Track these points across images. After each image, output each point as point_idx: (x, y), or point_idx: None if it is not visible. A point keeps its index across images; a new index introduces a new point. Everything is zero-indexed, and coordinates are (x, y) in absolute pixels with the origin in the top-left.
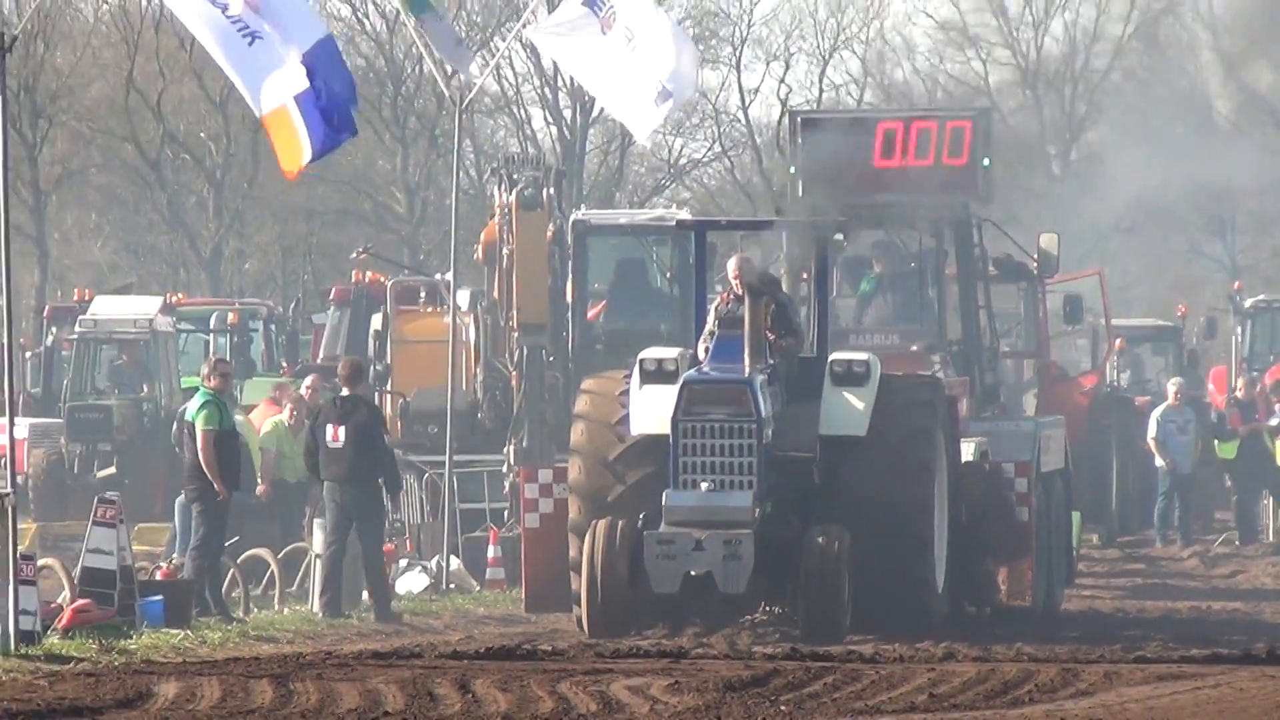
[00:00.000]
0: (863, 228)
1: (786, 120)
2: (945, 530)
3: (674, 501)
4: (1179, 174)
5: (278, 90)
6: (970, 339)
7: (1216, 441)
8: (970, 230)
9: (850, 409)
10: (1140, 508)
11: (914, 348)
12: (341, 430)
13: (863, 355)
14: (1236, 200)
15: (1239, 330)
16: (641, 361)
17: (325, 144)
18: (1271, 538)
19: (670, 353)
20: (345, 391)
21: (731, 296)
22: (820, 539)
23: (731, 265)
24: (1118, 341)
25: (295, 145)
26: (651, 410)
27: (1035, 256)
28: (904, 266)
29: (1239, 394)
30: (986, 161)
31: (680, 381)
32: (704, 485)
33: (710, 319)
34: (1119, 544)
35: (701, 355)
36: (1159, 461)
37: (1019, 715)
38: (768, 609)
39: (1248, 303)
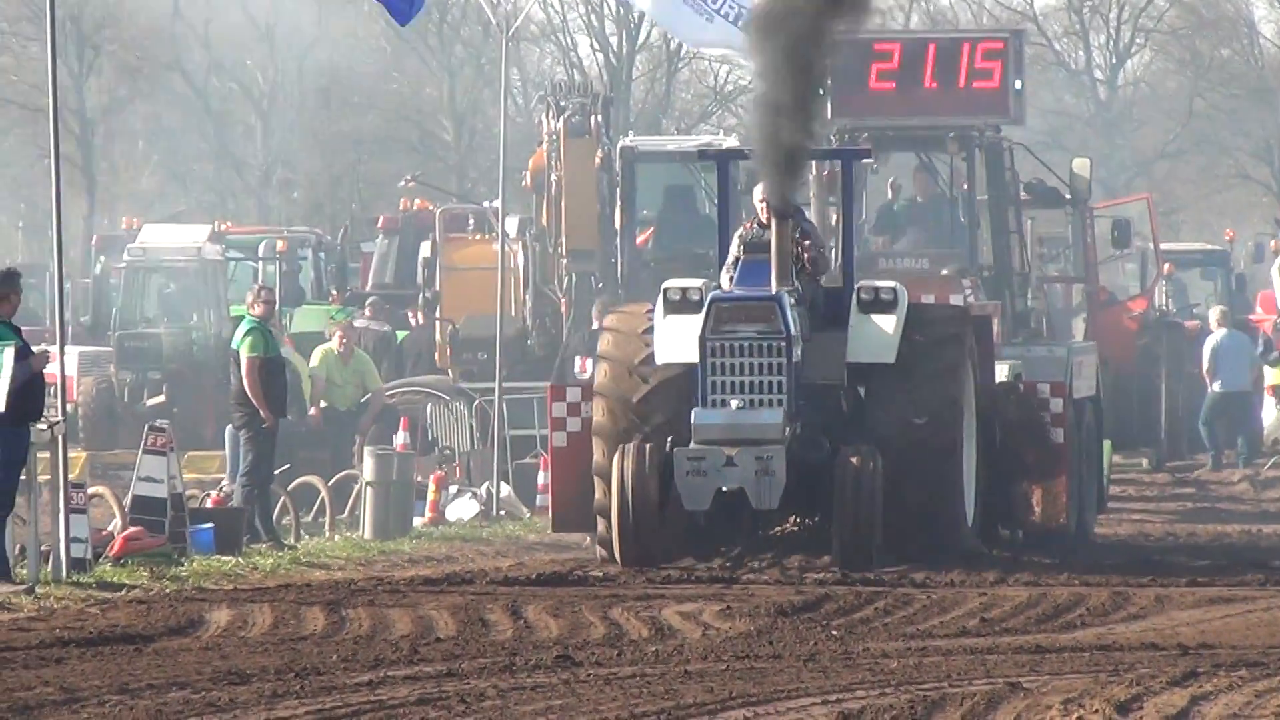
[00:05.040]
0: (893, 150)
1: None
2: (974, 460)
3: (703, 420)
4: (1225, 99)
5: None
6: (1002, 264)
7: (1267, 367)
8: (1002, 154)
9: (878, 335)
10: (1189, 432)
11: (944, 272)
12: None
13: (890, 283)
14: None
15: None
16: (665, 291)
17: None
18: None
19: (694, 282)
20: None
21: (755, 224)
22: (854, 459)
23: (757, 192)
24: (1166, 266)
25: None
26: (676, 339)
27: (1068, 181)
28: (935, 190)
29: None
30: (1019, 84)
31: (708, 300)
32: (734, 403)
33: (735, 246)
34: (1168, 468)
35: (726, 284)
36: (1214, 386)
37: (1071, 639)
38: (797, 522)
39: None
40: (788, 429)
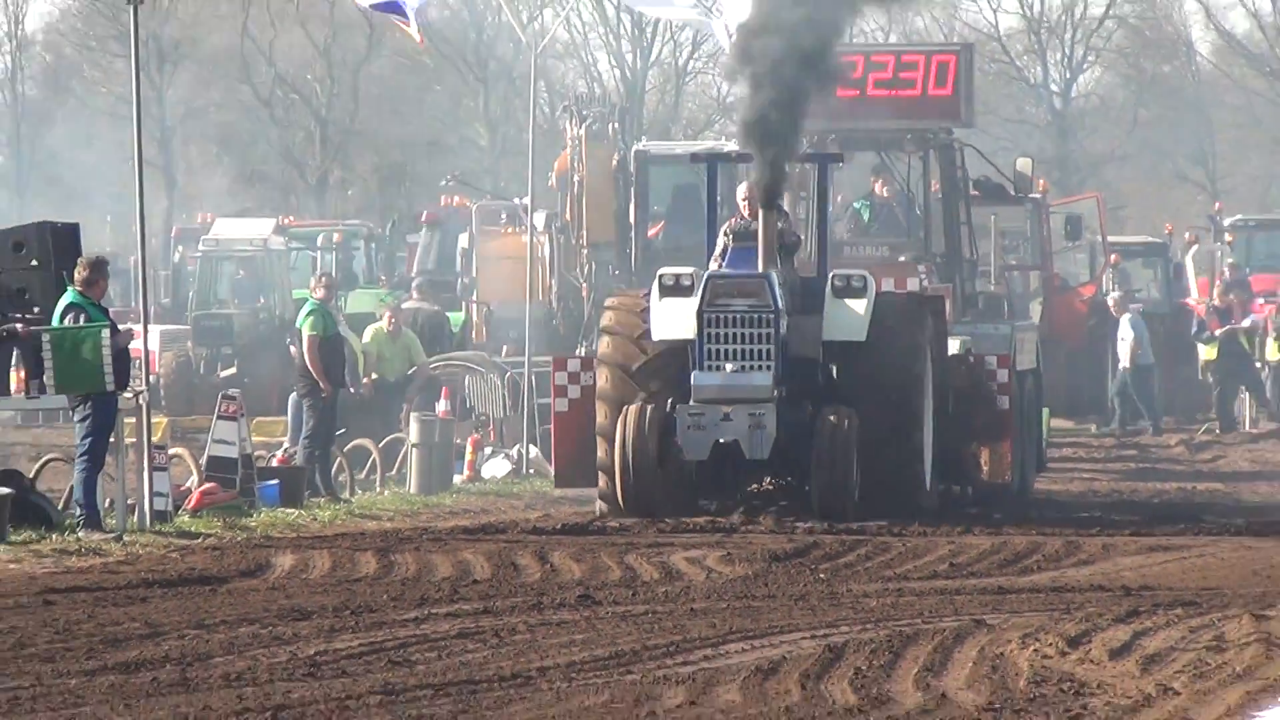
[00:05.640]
0: (855, 150)
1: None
2: (931, 427)
3: (701, 381)
4: (1165, 110)
5: None
6: (952, 252)
7: (1200, 344)
8: (953, 154)
9: (851, 317)
10: (1133, 401)
11: (902, 259)
12: None
13: (860, 271)
14: (1216, 131)
15: (1219, 246)
16: (661, 277)
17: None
18: (1248, 427)
19: (686, 269)
20: None
21: (739, 218)
22: (832, 417)
23: (742, 190)
24: (1113, 256)
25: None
26: (670, 319)
27: (1012, 178)
28: (894, 186)
29: (1217, 302)
30: (969, 93)
31: (705, 277)
32: (728, 367)
33: (722, 237)
34: (1113, 431)
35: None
36: (1127, 363)
37: (1028, 582)
38: (773, 482)
39: (1226, 222)
40: (776, 391)
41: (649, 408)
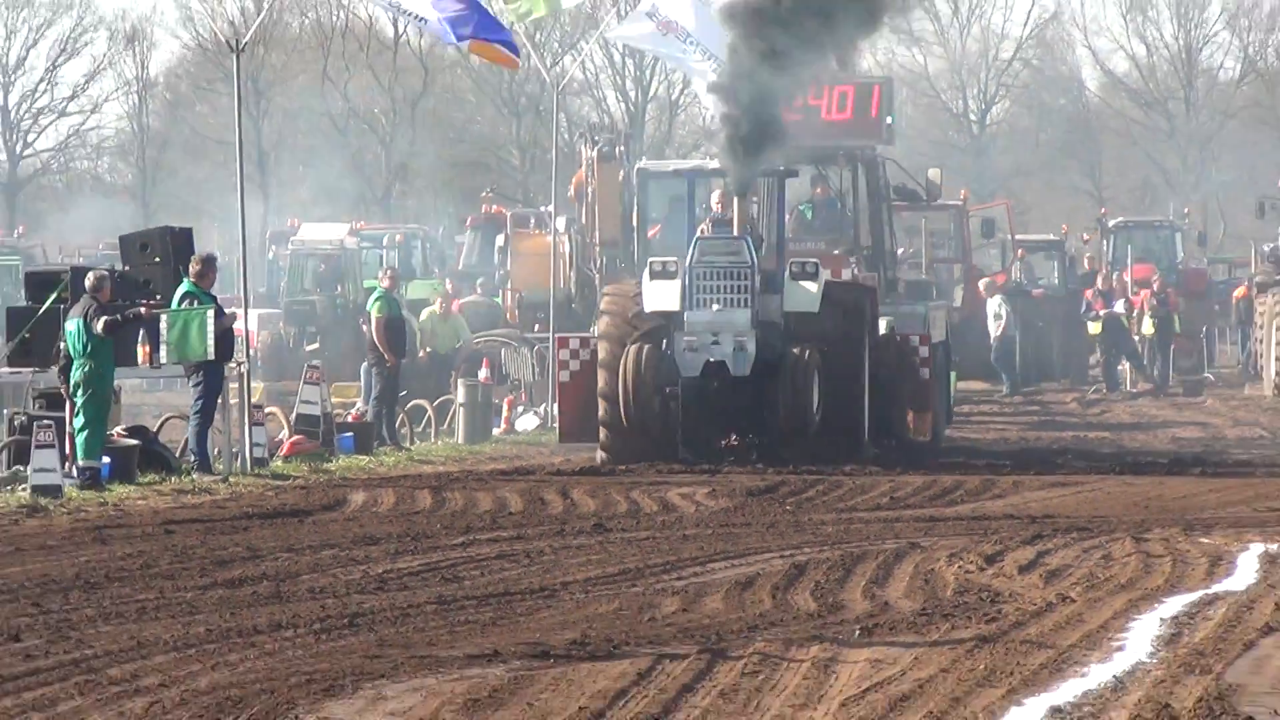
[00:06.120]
0: (800, 163)
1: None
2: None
3: (693, 318)
4: (1061, 134)
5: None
6: (877, 246)
7: (1088, 322)
8: (877, 166)
9: (806, 293)
10: (1036, 367)
11: (836, 252)
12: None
13: (813, 259)
14: (1101, 150)
15: (1104, 243)
16: (651, 264)
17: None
18: (1128, 388)
19: (671, 258)
20: None
21: (715, 214)
22: (796, 350)
23: (715, 195)
24: (1019, 251)
25: (496, 53)
26: (659, 295)
27: (924, 185)
28: (830, 192)
29: (1100, 287)
30: (890, 119)
31: (694, 240)
32: (715, 306)
33: (701, 228)
34: (1022, 392)
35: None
36: (995, 335)
37: (953, 512)
38: (735, 440)
39: (1110, 223)
40: (753, 326)
41: (647, 345)
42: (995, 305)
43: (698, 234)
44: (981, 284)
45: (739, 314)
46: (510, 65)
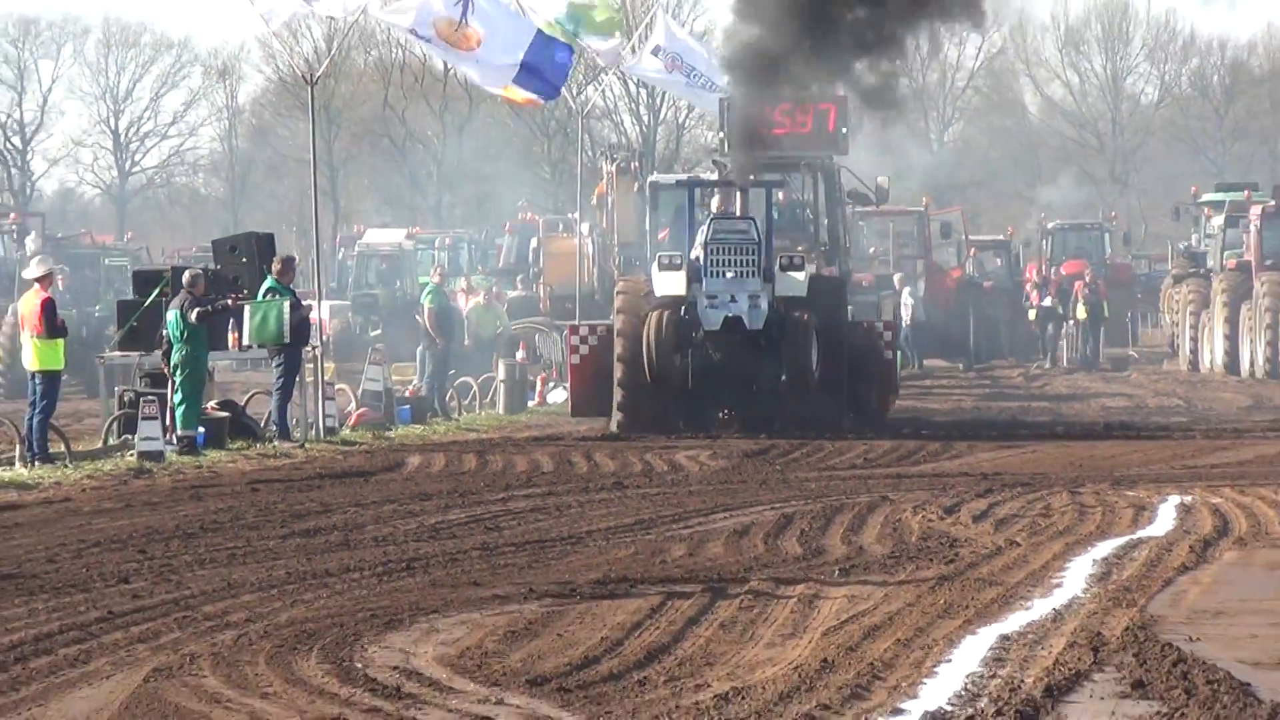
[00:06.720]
0: (769, 171)
1: (719, 106)
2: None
3: (710, 285)
4: (1007, 150)
5: (501, 79)
6: (834, 243)
7: (1030, 310)
8: (834, 173)
9: (795, 281)
10: (987, 348)
11: (799, 248)
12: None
13: (801, 252)
14: (1041, 164)
15: (1043, 242)
16: (659, 258)
17: (548, 93)
18: (1065, 364)
19: (676, 253)
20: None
21: (717, 212)
22: (796, 313)
23: (715, 200)
24: (971, 250)
25: (520, 96)
26: (666, 283)
27: (874, 190)
28: (792, 196)
29: (1036, 279)
30: (845, 130)
31: (708, 221)
32: (729, 274)
33: (706, 224)
34: (974, 368)
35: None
36: (908, 320)
37: (917, 470)
38: (729, 413)
39: (1049, 225)
40: (763, 290)
41: (667, 311)
42: (905, 295)
43: (709, 216)
44: (896, 278)
45: (750, 281)
46: (534, 105)
